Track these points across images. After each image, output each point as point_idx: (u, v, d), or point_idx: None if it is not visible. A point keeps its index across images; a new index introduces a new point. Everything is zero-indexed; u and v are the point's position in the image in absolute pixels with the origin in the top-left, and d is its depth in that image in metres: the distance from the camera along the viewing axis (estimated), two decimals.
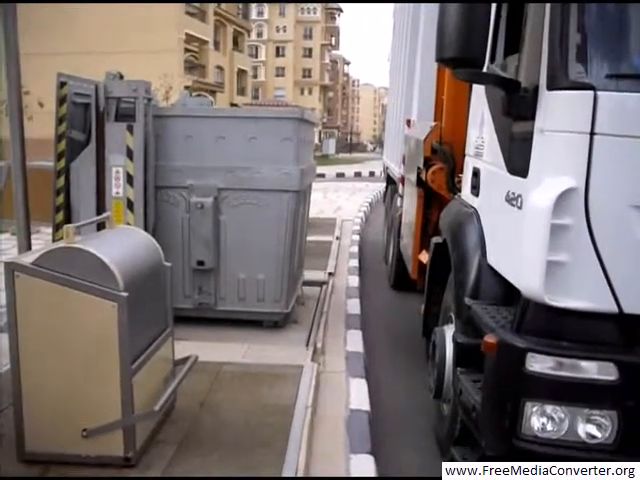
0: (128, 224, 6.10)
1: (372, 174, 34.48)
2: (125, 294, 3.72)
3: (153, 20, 34.50)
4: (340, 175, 35.95)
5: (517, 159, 3.64)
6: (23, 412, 3.83)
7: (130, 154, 6.29)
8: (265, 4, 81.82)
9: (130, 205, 6.34)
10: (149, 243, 4.58)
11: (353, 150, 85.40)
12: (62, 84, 6.37)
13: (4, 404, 4.38)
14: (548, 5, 3.29)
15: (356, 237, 13.87)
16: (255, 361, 5.89)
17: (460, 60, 3.45)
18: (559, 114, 3.23)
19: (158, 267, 4.52)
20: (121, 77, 6.55)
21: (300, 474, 3.98)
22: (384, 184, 13.28)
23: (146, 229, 5.96)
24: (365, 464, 4.27)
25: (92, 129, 6.37)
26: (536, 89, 3.37)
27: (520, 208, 3.51)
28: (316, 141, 57.72)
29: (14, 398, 3.86)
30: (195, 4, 41.67)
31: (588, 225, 3.12)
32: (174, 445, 4.23)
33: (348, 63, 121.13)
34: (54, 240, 6.24)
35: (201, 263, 6.68)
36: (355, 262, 11.12)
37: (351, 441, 4.58)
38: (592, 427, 3.24)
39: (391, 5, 12.80)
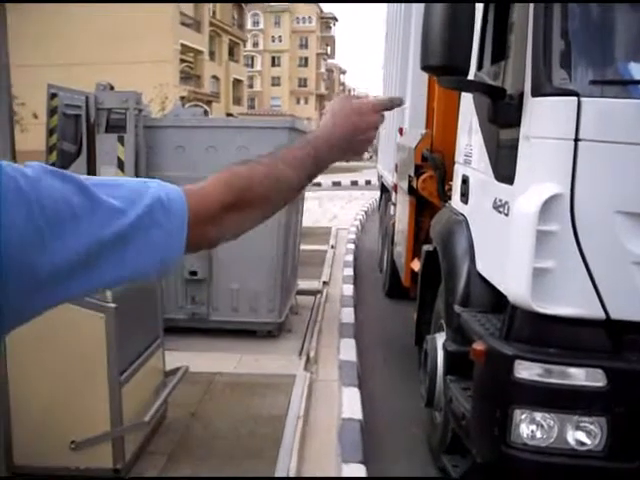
0: None
1: (368, 182, 34.37)
2: (113, 305, 3.71)
3: (148, 31, 34.54)
4: (336, 184, 35.88)
5: (504, 166, 3.64)
6: (11, 424, 3.81)
7: (121, 165, 6.29)
8: (260, 14, 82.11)
9: None
10: None
11: (349, 159, 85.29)
12: (53, 95, 6.38)
13: None
14: (532, 12, 3.30)
15: (351, 246, 13.84)
16: (247, 371, 5.87)
17: (445, 68, 3.45)
18: (544, 121, 3.24)
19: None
20: (112, 88, 6.56)
21: None
22: (379, 192, 13.27)
23: None
24: (357, 473, 4.25)
25: (83, 140, 6.37)
26: (521, 96, 3.37)
27: (507, 215, 3.51)
28: None
29: (1, 410, 3.84)
30: (190, 15, 41.76)
31: (574, 231, 3.12)
32: (164, 456, 4.21)
33: (344, 72, 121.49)
34: None
35: (194, 273, 6.67)
36: (350, 271, 11.11)
37: (343, 450, 4.56)
38: (581, 434, 3.23)
39: (384, 13, 12.82)
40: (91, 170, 6.34)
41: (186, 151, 6.57)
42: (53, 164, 6.43)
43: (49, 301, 0.94)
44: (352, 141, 1.36)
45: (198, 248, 1.17)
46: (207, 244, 1.19)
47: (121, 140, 6.28)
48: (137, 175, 6.35)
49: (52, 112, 6.37)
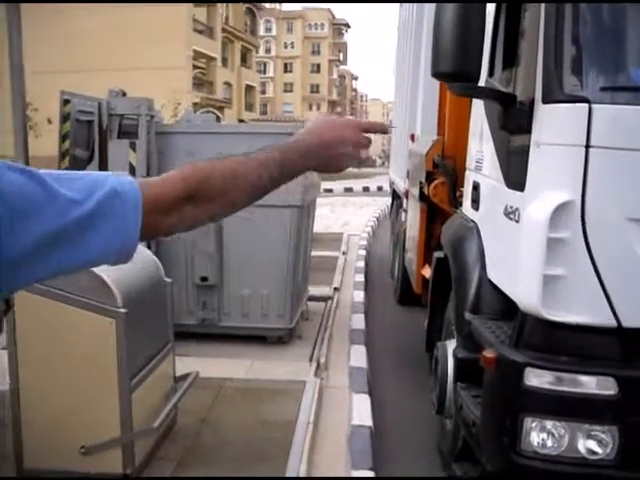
0: None
1: (380, 189, 34.34)
2: (124, 310, 3.72)
3: (161, 37, 34.71)
4: (348, 190, 35.89)
5: (514, 173, 3.63)
6: (22, 429, 3.83)
7: (133, 171, 6.31)
8: (273, 20, 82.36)
9: None
10: (148, 259, 4.58)
11: (361, 165, 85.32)
12: (66, 102, 6.42)
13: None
14: (543, 18, 3.29)
15: (363, 252, 13.83)
16: (258, 377, 5.87)
17: (455, 74, 3.45)
18: (555, 127, 3.23)
19: (158, 283, 4.52)
20: (124, 94, 6.59)
21: None
22: (390, 199, 13.28)
23: (149, 246, 5.97)
24: None
25: (95, 146, 6.40)
26: (532, 102, 3.36)
27: (518, 222, 3.50)
28: None
29: (13, 415, 3.86)
30: (203, 21, 41.95)
31: (585, 238, 3.10)
32: (174, 462, 4.22)
33: (356, 78, 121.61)
34: None
35: (204, 279, 6.68)
36: (361, 277, 11.09)
37: (353, 457, 4.55)
38: (593, 443, 3.21)
39: (396, 20, 12.83)
40: None
41: (196, 157, 6.54)
42: (66, 169, 6.47)
43: (27, 278, 1.09)
44: (324, 154, 1.43)
45: (154, 235, 1.31)
46: (163, 232, 1.30)
47: (133, 146, 6.31)
48: None
49: (65, 118, 6.41)
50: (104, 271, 3.77)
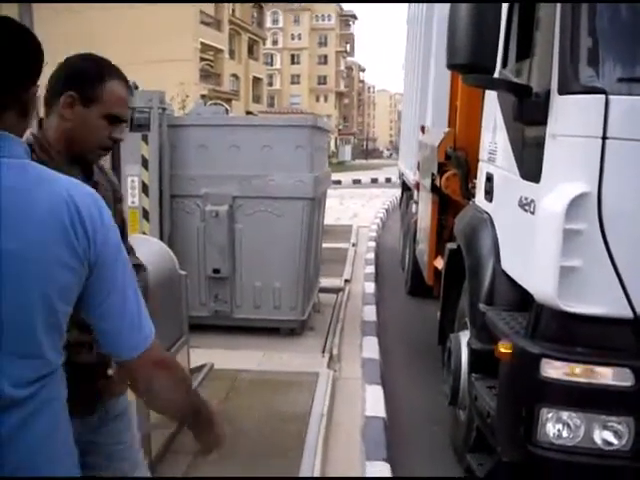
0: (144, 233, 6.14)
1: (388, 180, 34.37)
2: None
3: (169, 29, 34.68)
4: (356, 182, 35.91)
5: (530, 164, 3.63)
6: None
7: (145, 163, 6.34)
8: (280, 12, 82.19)
9: (145, 214, 6.38)
10: (164, 252, 4.60)
11: (369, 156, 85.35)
12: None
13: None
14: (559, 9, 3.28)
15: (372, 244, 13.86)
16: (271, 368, 5.90)
17: (471, 66, 3.44)
18: (571, 119, 3.22)
19: (173, 275, 4.54)
20: (136, 87, 6.59)
21: None
22: (400, 190, 13.29)
23: (161, 238, 6.00)
24: (381, 471, 4.25)
25: None
26: (547, 94, 3.35)
27: (533, 213, 3.50)
28: (332, 148, 57.77)
29: None
30: (210, 13, 41.89)
31: (601, 230, 3.10)
32: (189, 454, 4.23)
33: (363, 70, 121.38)
34: None
35: (217, 271, 6.70)
36: (371, 268, 11.11)
37: (367, 448, 4.57)
38: (609, 434, 3.21)
39: (405, 10, 12.82)
40: (115, 168, 6.39)
41: (209, 149, 6.61)
42: None
43: None
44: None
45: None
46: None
47: (145, 139, 6.33)
48: (161, 173, 6.40)
49: None
50: None
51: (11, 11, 5.07)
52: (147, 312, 1.74)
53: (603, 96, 3.05)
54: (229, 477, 3.94)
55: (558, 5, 3.29)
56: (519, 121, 3.72)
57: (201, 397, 1.98)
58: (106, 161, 6.37)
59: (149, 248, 4.57)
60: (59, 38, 29.39)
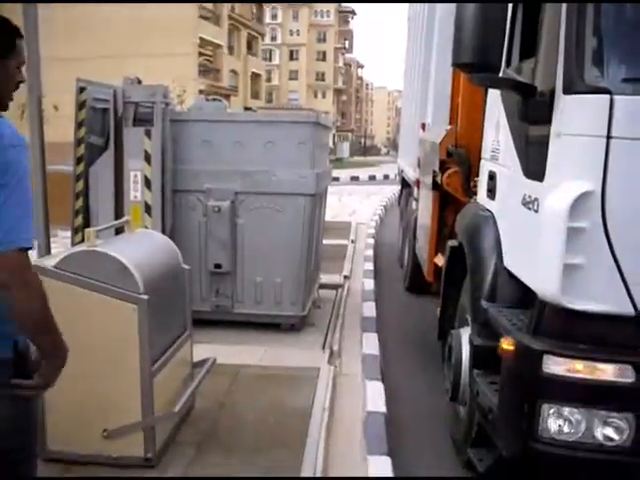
0: (146, 227, 6.16)
1: (386, 177, 34.37)
2: (145, 297, 3.77)
3: (168, 24, 34.66)
4: (354, 178, 35.93)
5: (533, 163, 3.66)
6: (45, 412, 3.88)
7: (148, 158, 6.36)
8: (279, 7, 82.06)
9: (148, 209, 6.41)
10: (168, 246, 4.63)
11: (367, 153, 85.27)
12: (81, 89, 6.44)
13: None
14: (564, 9, 3.31)
15: (371, 240, 13.90)
16: (272, 363, 5.93)
17: (476, 65, 3.48)
18: (575, 118, 3.25)
19: (177, 270, 4.58)
20: (139, 82, 6.62)
21: (318, 475, 4.02)
22: (398, 187, 13.32)
23: (163, 232, 6.01)
24: (382, 465, 4.30)
25: (110, 134, 6.44)
26: (552, 93, 3.38)
27: (537, 211, 3.53)
28: (330, 145, 57.77)
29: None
30: (210, 8, 41.84)
31: (605, 228, 3.14)
32: (193, 446, 4.27)
33: (362, 66, 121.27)
34: (73, 244, 6.30)
35: (218, 266, 6.73)
36: (370, 265, 11.15)
37: (368, 443, 4.61)
38: (609, 430, 3.26)
39: (405, 8, 12.84)
40: (118, 163, 6.42)
41: (211, 144, 6.63)
42: (81, 157, 6.51)
43: None
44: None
45: None
46: None
47: (148, 133, 6.35)
48: (163, 168, 6.42)
49: (81, 106, 6.44)
50: (126, 257, 3.83)
51: (15, 7, 5.09)
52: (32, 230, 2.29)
53: (608, 96, 3.08)
54: (229, 477, 3.97)
55: (564, 5, 3.32)
56: (524, 120, 3.76)
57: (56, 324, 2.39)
58: (110, 156, 6.42)
59: (154, 242, 4.62)
60: (59, 31, 29.46)
